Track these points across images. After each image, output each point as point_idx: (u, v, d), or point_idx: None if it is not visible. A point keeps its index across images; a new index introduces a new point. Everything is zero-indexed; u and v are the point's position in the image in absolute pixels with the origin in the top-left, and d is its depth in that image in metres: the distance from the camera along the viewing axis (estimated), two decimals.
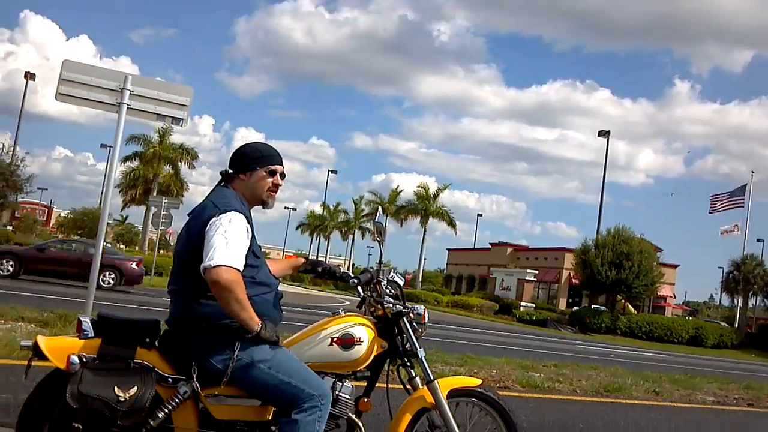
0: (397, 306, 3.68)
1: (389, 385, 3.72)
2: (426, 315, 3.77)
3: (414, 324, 3.70)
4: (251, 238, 3.25)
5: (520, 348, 18.86)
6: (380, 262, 3.91)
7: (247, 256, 3.17)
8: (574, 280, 54.97)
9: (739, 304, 52.63)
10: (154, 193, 44.64)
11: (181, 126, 9.89)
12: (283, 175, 3.48)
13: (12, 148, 43.77)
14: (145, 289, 24.51)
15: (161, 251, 35.59)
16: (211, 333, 3.18)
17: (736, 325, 50.90)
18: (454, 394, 3.77)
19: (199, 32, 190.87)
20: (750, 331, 51.22)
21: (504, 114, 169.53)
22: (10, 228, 57.81)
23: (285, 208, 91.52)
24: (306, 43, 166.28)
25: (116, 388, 3.02)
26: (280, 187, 3.48)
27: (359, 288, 3.81)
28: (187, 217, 3.39)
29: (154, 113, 9.56)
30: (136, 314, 3.61)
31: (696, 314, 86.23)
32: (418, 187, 63.55)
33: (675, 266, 63.99)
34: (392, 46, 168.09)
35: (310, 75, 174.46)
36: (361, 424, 3.55)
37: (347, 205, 78.40)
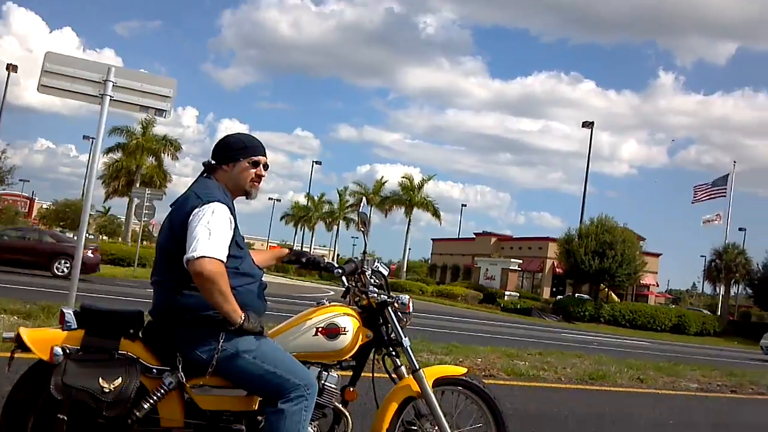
0: (382, 296, 3.67)
1: (375, 375, 3.72)
2: (410, 304, 3.77)
3: (399, 313, 3.70)
4: (234, 229, 3.23)
5: (505, 337, 18.94)
6: (365, 253, 3.92)
7: (230, 246, 3.15)
8: (557, 270, 55.26)
9: (722, 292, 53.22)
10: (137, 185, 44.44)
11: (165, 117, 9.82)
12: (266, 166, 3.46)
13: None
14: (129, 280, 24.40)
15: (144, 242, 35.35)
16: (195, 324, 3.16)
17: (719, 313, 51.50)
18: (440, 382, 3.78)
19: (184, 24, 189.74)
20: (732, 318, 51.81)
21: (489, 105, 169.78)
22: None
23: (269, 199, 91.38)
24: (292, 35, 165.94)
25: (100, 379, 3.00)
26: (263, 178, 3.46)
27: (344, 278, 3.80)
28: (170, 208, 3.36)
29: (138, 105, 9.48)
30: (119, 305, 3.57)
31: (679, 302, 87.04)
32: (403, 177, 63.71)
33: (658, 255, 64.43)
34: (378, 38, 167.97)
35: (295, 67, 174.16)
36: (347, 414, 3.55)
37: (332, 196, 78.43)
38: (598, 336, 28.10)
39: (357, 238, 75.18)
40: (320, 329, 3.49)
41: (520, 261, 58.58)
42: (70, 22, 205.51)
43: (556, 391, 8.92)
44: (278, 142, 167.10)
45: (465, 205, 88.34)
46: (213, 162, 3.40)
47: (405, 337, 3.69)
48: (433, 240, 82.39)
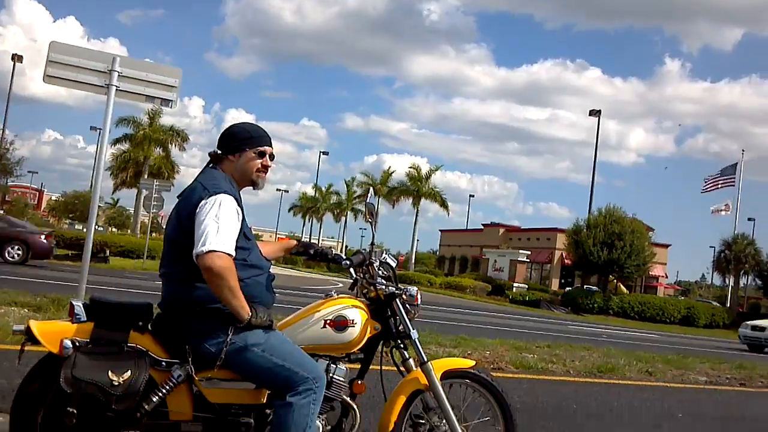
0: (390, 287, 3.66)
1: (383, 367, 3.72)
2: (419, 296, 3.77)
3: (407, 305, 3.69)
4: (242, 221, 3.23)
5: (513, 329, 18.93)
6: (372, 244, 3.90)
7: (238, 238, 3.15)
8: (566, 261, 55.15)
9: (731, 283, 52.95)
10: (145, 176, 44.32)
11: (171, 107, 9.81)
12: (272, 156, 3.45)
13: (1, 131, 43.51)
14: (138, 272, 24.46)
15: (153, 234, 35.47)
16: (205, 317, 3.16)
17: (728, 305, 51.27)
18: (448, 375, 3.77)
19: (187, 13, 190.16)
20: (741, 310, 51.53)
21: (495, 94, 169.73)
22: (1, 212, 57.54)
23: (277, 190, 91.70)
24: (295, 23, 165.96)
25: (110, 372, 3.01)
26: (269, 168, 3.45)
27: (352, 270, 3.80)
28: (177, 200, 3.36)
29: (143, 95, 9.47)
30: (128, 298, 3.58)
31: (688, 294, 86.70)
32: (410, 168, 63.53)
33: (666, 246, 64.25)
34: (382, 25, 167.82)
35: (299, 55, 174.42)
36: (355, 407, 3.55)
37: (339, 187, 78.46)
38: (607, 328, 28.03)
39: (365, 229, 75.07)
40: (328, 321, 3.48)
41: (529, 252, 58.54)
42: (74, 12, 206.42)
43: (565, 384, 8.91)
44: (285, 132, 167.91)
45: (473, 196, 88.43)
46: (219, 152, 3.39)
47: (413, 329, 3.68)
48: (441, 231, 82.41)
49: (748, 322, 25.42)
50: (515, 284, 49.90)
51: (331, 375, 3.44)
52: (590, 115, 49.42)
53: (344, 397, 3.51)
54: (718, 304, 52.64)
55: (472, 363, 3.94)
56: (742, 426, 8.00)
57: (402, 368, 3.79)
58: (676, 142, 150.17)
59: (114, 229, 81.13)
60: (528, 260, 58.79)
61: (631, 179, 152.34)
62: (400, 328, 3.68)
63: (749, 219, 60.92)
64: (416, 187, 61.48)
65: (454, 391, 3.81)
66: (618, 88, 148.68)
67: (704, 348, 20.87)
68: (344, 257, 3.80)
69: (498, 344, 11.11)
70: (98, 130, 52.95)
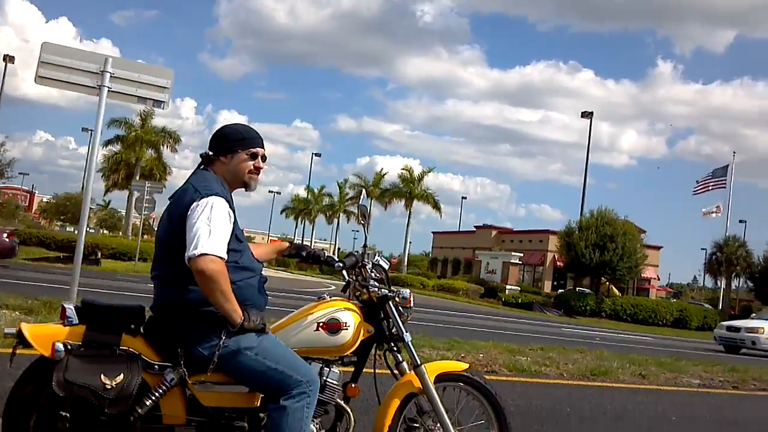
0: (383, 290, 3.65)
1: (377, 370, 3.71)
2: (411, 299, 3.77)
3: (400, 308, 3.69)
4: (233, 223, 3.21)
5: (507, 331, 18.93)
6: (365, 246, 3.89)
7: (229, 241, 3.13)
8: (558, 263, 55.26)
9: (723, 285, 53.09)
10: (137, 178, 44.28)
11: (163, 109, 9.79)
12: (264, 158, 3.44)
13: None
14: (130, 274, 24.39)
15: (145, 236, 35.32)
16: (197, 320, 3.14)
17: (720, 307, 51.36)
18: (441, 378, 3.76)
19: (180, 14, 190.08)
20: (734, 312, 51.51)
21: (488, 95, 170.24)
22: None
23: (269, 191, 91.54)
24: (288, 24, 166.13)
25: (102, 376, 2.99)
26: (262, 170, 3.44)
27: (344, 272, 3.79)
28: (168, 202, 3.34)
29: (135, 96, 9.45)
30: (120, 300, 3.55)
31: (680, 296, 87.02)
32: (403, 169, 63.62)
33: (658, 248, 64.44)
34: (375, 26, 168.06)
35: (292, 56, 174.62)
36: (349, 410, 3.54)
37: (332, 189, 78.45)
38: (600, 331, 28.07)
39: (358, 231, 75.13)
40: (321, 324, 3.47)
41: (521, 254, 58.58)
42: (66, 12, 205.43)
43: (558, 387, 8.90)
44: (278, 133, 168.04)
45: (465, 198, 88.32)
46: (210, 154, 3.37)
47: (406, 332, 3.67)
48: (433, 233, 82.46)
49: (724, 323, 25.35)
50: (508, 286, 49.92)
51: (324, 378, 3.42)
52: (582, 116, 49.48)
53: (338, 400, 3.49)
54: (710, 307, 52.83)
55: (466, 366, 3.94)
56: (736, 429, 8.02)
57: (395, 371, 3.77)
58: (668, 144, 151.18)
59: (105, 231, 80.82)
60: (520, 262, 58.84)
61: (623, 181, 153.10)
62: (393, 330, 3.66)
63: (740, 221, 61.22)
64: (409, 189, 61.56)
65: (448, 395, 3.79)
66: (611, 90, 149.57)
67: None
68: (336, 259, 3.78)
69: (491, 347, 11.09)
70: (90, 132, 52.71)
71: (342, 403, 3.51)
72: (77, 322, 3.16)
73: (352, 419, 3.53)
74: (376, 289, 3.64)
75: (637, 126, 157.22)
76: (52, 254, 31.17)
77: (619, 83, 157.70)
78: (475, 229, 74.37)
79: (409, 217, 62.68)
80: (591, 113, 48.53)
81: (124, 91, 9.31)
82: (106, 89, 9.05)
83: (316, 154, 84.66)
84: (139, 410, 3.04)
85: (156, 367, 3.15)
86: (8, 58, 48.61)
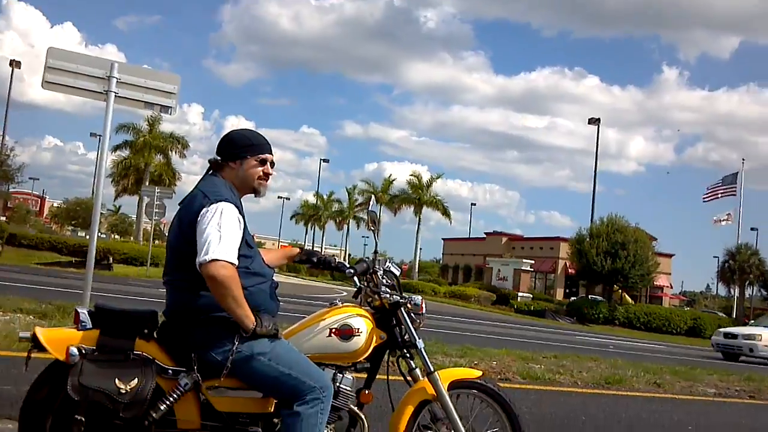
0: (394, 296, 3.63)
1: (390, 377, 3.67)
2: (423, 305, 3.74)
3: (412, 314, 3.66)
4: (243, 228, 3.21)
5: (519, 339, 18.86)
6: (376, 252, 3.87)
7: (240, 246, 3.13)
8: (570, 270, 55.07)
9: (736, 293, 52.73)
10: (147, 183, 44.46)
11: (170, 114, 9.81)
12: (272, 164, 3.44)
13: (1, 138, 43.53)
14: (142, 279, 24.44)
15: (156, 241, 35.39)
16: (209, 325, 3.14)
17: (734, 316, 50.97)
18: (455, 385, 3.73)
19: (184, 19, 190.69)
20: (747, 321, 51.24)
21: (493, 101, 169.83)
22: (4, 219, 57.58)
23: (279, 197, 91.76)
24: (292, 30, 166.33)
25: (117, 380, 2.99)
26: (271, 176, 3.43)
27: (355, 278, 3.77)
28: (178, 207, 3.34)
29: (142, 101, 9.46)
30: (132, 305, 3.53)
31: (693, 304, 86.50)
32: (411, 176, 63.66)
33: (670, 256, 64.15)
34: (379, 32, 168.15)
35: (297, 62, 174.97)
36: (363, 416, 3.52)
37: (341, 194, 78.52)
38: (613, 339, 27.91)
39: (368, 237, 75.26)
40: (334, 330, 3.45)
41: (532, 261, 58.41)
42: (71, 17, 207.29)
43: (573, 395, 8.83)
44: (285, 139, 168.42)
45: (474, 204, 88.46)
46: (219, 159, 3.36)
47: (419, 338, 3.64)
48: (443, 240, 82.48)
49: (721, 329, 25.05)
50: (520, 294, 49.77)
51: (337, 384, 3.41)
52: (589, 123, 49.48)
53: (352, 406, 3.48)
54: (724, 315, 52.45)
55: (480, 373, 3.90)
56: None
57: (409, 378, 3.74)
58: (675, 150, 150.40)
59: (117, 236, 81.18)
60: (532, 269, 58.68)
61: (632, 188, 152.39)
62: (405, 337, 3.64)
63: (752, 229, 60.76)
64: (417, 195, 61.57)
65: (462, 402, 3.76)
66: (616, 96, 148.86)
67: (713, 360, 20.70)
68: (347, 266, 3.77)
69: (505, 354, 11.04)
70: (98, 137, 53.04)
71: (356, 409, 3.49)
72: (91, 326, 3.16)
73: (366, 425, 3.51)
74: (388, 296, 3.62)
75: (644, 132, 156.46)
76: (65, 259, 31.32)
77: (624, 89, 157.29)
78: (485, 236, 74.33)
79: (418, 224, 62.73)
80: (598, 120, 48.52)
81: (131, 96, 9.32)
82: (113, 94, 9.05)
83: (324, 160, 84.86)
84: (154, 415, 3.04)
85: (170, 371, 3.14)
86: (14, 63, 48.95)
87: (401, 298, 3.62)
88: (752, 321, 31.60)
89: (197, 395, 3.19)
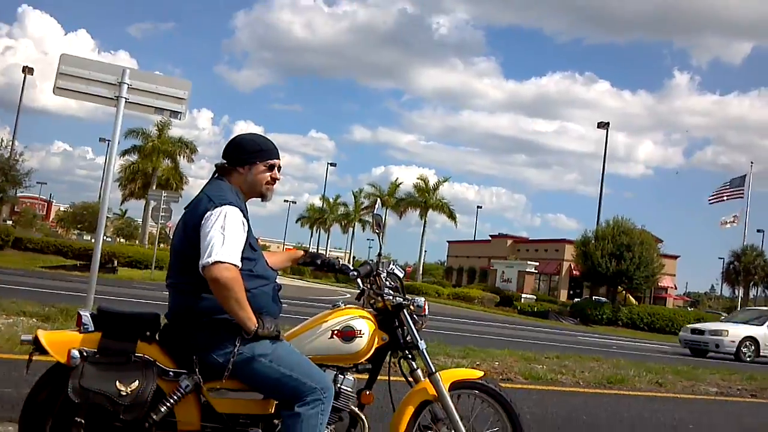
0: (397, 298, 3.64)
1: (391, 378, 3.69)
2: (426, 307, 3.74)
3: (414, 316, 3.67)
4: (247, 232, 3.22)
5: (522, 340, 18.86)
6: (380, 254, 3.89)
7: (243, 249, 3.15)
8: (574, 272, 54.97)
9: (740, 294, 52.64)
10: (154, 187, 44.47)
11: (180, 119, 9.85)
12: (279, 168, 3.45)
13: (11, 143, 43.62)
14: (146, 282, 24.50)
15: (161, 245, 35.48)
16: (212, 327, 3.15)
17: None
18: (456, 386, 3.74)
19: (197, 26, 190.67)
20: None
21: (503, 106, 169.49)
22: (10, 223, 57.72)
23: (285, 201, 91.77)
24: (305, 37, 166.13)
25: (118, 383, 3.00)
26: (278, 181, 3.44)
27: (359, 280, 3.77)
28: (184, 211, 3.36)
29: (153, 107, 9.51)
30: (135, 308, 3.58)
31: (697, 305, 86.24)
32: (418, 179, 63.51)
33: (675, 257, 63.96)
34: (391, 39, 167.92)
35: (309, 68, 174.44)
36: (364, 417, 3.53)
37: (347, 198, 78.41)
38: (617, 339, 27.89)
39: (373, 240, 75.38)
40: (336, 332, 3.47)
41: (537, 263, 58.36)
42: (85, 25, 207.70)
43: (575, 395, 8.86)
44: (293, 144, 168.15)
45: (480, 207, 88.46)
46: (226, 164, 3.38)
47: (421, 339, 3.65)
48: (448, 242, 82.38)
49: (688, 325, 24.89)
50: (523, 295, 49.70)
51: (339, 385, 3.42)
52: (599, 127, 49.37)
53: (352, 407, 3.49)
54: (727, 315, 52.25)
55: (481, 373, 3.91)
56: None
57: (410, 379, 3.76)
58: (684, 154, 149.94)
59: (122, 240, 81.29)
60: (536, 271, 58.62)
61: (639, 191, 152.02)
62: (407, 338, 3.65)
63: (758, 230, 60.52)
64: (424, 199, 61.46)
65: (463, 402, 3.77)
66: (627, 101, 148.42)
67: (715, 360, 20.70)
68: (351, 268, 3.77)
69: (507, 355, 11.06)
70: (107, 142, 52.98)
71: (356, 410, 3.50)
72: (93, 329, 3.18)
73: (367, 426, 3.52)
74: (391, 297, 3.63)
75: (653, 137, 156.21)
76: (70, 262, 31.38)
77: (635, 94, 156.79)
78: (490, 238, 74.18)
79: (424, 227, 62.57)
80: (607, 124, 48.42)
81: (141, 102, 9.37)
82: (124, 100, 9.11)
83: (332, 164, 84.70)
84: (154, 417, 3.06)
85: (171, 373, 3.16)
86: (27, 70, 49.07)
87: (404, 299, 3.63)
88: (723, 317, 31.43)
89: (198, 397, 3.20)
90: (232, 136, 3.50)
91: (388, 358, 3.68)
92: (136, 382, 3.02)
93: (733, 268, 50.17)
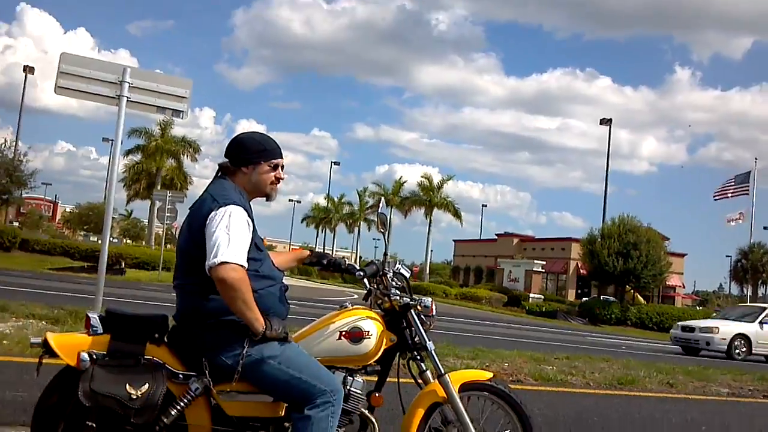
0: (404, 298, 3.62)
1: (401, 380, 3.67)
2: (433, 307, 3.73)
3: (422, 316, 3.65)
4: (253, 232, 3.21)
5: (531, 340, 18.81)
6: (386, 254, 3.86)
7: (249, 249, 3.12)
8: (582, 271, 54.88)
9: (749, 293, 52.44)
10: (158, 187, 44.59)
11: (182, 118, 9.83)
12: (283, 167, 3.43)
13: (14, 143, 43.74)
14: (153, 283, 24.51)
15: (168, 246, 35.50)
16: (219, 329, 3.14)
17: None
18: (466, 387, 3.72)
19: (197, 24, 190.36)
20: None
21: (504, 103, 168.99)
22: (17, 224, 57.87)
23: (290, 200, 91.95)
24: (304, 34, 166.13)
25: (128, 386, 2.99)
26: (282, 180, 3.42)
27: (365, 280, 3.76)
28: (188, 211, 3.34)
29: (154, 106, 9.50)
30: (144, 310, 3.54)
31: (706, 304, 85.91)
32: (422, 177, 63.59)
33: (683, 255, 63.85)
34: (391, 35, 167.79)
35: (309, 65, 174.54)
36: (374, 420, 3.51)
37: (352, 197, 78.55)
38: (626, 339, 27.79)
39: (378, 239, 75.24)
40: (344, 333, 3.45)
41: (544, 262, 58.25)
42: (84, 23, 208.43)
43: (585, 396, 8.80)
44: (296, 142, 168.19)
45: (486, 206, 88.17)
46: (229, 163, 3.35)
47: (429, 340, 3.63)
48: (454, 241, 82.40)
49: (679, 323, 24.56)
50: (531, 295, 49.63)
51: (348, 387, 3.40)
52: (601, 124, 49.31)
53: (362, 409, 3.47)
54: (720, 312, 52.06)
55: (490, 375, 3.90)
56: None
57: (419, 380, 3.73)
58: (688, 150, 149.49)
59: (129, 241, 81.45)
60: (543, 270, 58.51)
61: (644, 188, 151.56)
62: (415, 339, 3.63)
63: (765, 228, 60.27)
64: (428, 197, 61.52)
65: (473, 404, 3.75)
66: (628, 96, 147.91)
67: (726, 359, 20.57)
68: (357, 268, 3.75)
69: (516, 356, 11.00)
70: (110, 142, 53.19)
71: (366, 412, 3.49)
72: (102, 331, 3.17)
73: (377, 429, 3.50)
74: (398, 298, 3.61)
75: (656, 133, 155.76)
76: (77, 264, 31.46)
77: (637, 90, 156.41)
78: (496, 237, 74.21)
79: (429, 226, 62.64)
80: (610, 120, 48.35)
81: (143, 101, 9.36)
82: (125, 99, 9.09)
83: (335, 163, 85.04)
84: (165, 420, 3.04)
85: (180, 376, 3.14)
86: (28, 69, 49.18)
87: (411, 300, 3.61)
88: (714, 314, 31.20)
89: (208, 400, 3.18)
90: (234, 135, 3.46)
91: (396, 359, 3.66)
92: (146, 385, 3.01)
93: (740, 266, 50.03)
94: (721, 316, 25.29)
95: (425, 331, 3.62)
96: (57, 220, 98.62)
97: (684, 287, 70.21)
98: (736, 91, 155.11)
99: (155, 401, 3.00)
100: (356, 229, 76.57)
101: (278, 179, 3.38)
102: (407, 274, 3.80)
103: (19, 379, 5.46)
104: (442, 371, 3.63)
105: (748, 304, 33.45)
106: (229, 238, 3.02)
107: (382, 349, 3.50)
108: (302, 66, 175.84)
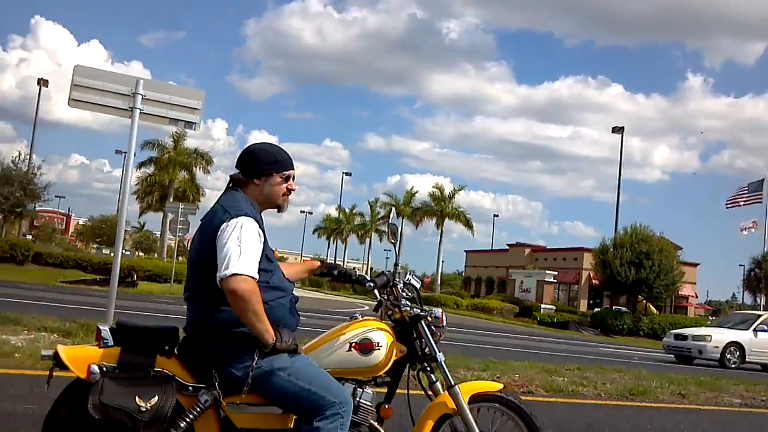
0: (415, 309, 3.62)
1: (410, 391, 3.66)
2: (444, 318, 3.72)
3: (432, 327, 3.65)
4: (264, 243, 3.21)
5: (543, 351, 18.72)
6: (396, 265, 3.88)
7: (260, 261, 3.13)
8: (594, 281, 54.58)
9: (763, 302, 51.98)
10: (171, 199, 44.68)
11: (195, 130, 9.88)
12: (294, 178, 3.44)
13: (28, 156, 43.99)
14: (165, 296, 24.57)
15: (180, 258, 35.62)
16: (230, 340, 3.14)
17: None
18: (476, 399, 3.71)
19: (208, 35, 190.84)
20: None
21: (516, 112, 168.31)
22: (30, 237, 58.18)
23: (301, 212, 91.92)
24: (316, 44, 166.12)
25: (137, 398, 2.99)
26: (293, 191, 3.43)
27: (376, 291, 3.74)
28: (200, 223, 3.35)
29: (167, 117, 9.55)
30: (156, 322, 3.56)
31: (719, 314, 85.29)
32: (433, 188, 63.41)
33: (695, 265, 63.44)
34: (402, 45, 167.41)
35: (320, 76, 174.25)
36: (383, 431, 3.49)
37: (363, 208, 78.43)
38: (638, 350, 27.62)
39: (390, 250, 75.43)
40: (354, 344, 3.45)
41: (556, 272, 58.02)
42: (97, 35, 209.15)
43: (597, 407, 8.76)
44: (308, 153, 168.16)
45: (497, 216, 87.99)
46: (241, 175, 3.36)
47: (439, 351, 3.62)
48: (466, 252, 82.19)
49: (672, 331, 24.23)
50: (543, 305, 49.42)
51: (357, 399, 3.40)
52: (613, 132, 49.12)
53: (372, 421, 3.47)
54: (714, 320, 51.71)
55: (501, 386, 3.88)
56: None
57: (429, 392, 3.73)
58: (701, 158, 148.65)
59: (141, 254, 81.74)
60: (555, 281, 58.29)
61: (656, 196, 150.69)
62: (426, 350, 3.62)
63: None
64: (440, 208, 61.36)
65: (483, 416, 3.74)
66: (640, 104, 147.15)
67: (739, 370, 20.42)
68: (368, 279, 3.75)
69: (527, 367, 10.96)
70: (123, 154, 53.50)
71: (375, 424, 3.48)
72: (112, 343, 3.17)
73: None
74: (408, 309, 3.61)
75: (668, 141, 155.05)
76: (89, 277, 31.59)
77: (649, 98, 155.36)
78: (508, 248, 73.96)
79: (440, 236, 62.44)
80: (622, 128, 48.13)
81: (156, 112, 9.41)
82: (138, 111, 9.16)
83: (347, 174, 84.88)
84: None
85: (190, 388, 3.14)
86: (42, 82, 49.52)
87: (421, 311, 3.61)
88: (709, 322, 30.80)
89: (217, 412, 3.18)
90: (246, 146, 3.48)
91: (406, 370, 3.65)
92: (156, 398, 3.01)
93: (754, 275, 49.53)
94: (717, 323, 24.96)
95: (435, 342, 3.61)
96: (70, 233, 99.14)
97: (697, 297, 69.77)
98: (749, 97, 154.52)
99: (164, 413, 3.00)
100: (367, 240, 76.63)
101: (290, 190, 3.40)
102: (418, 285, 3.80)
103: (31, 392, 5.49)
104: (452, 382, 3.62)
105: (744, 311, 33.01)
106: (241, 249, 3.02)
107: (392, 361, 3.49)
108: (314, 76, 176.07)
